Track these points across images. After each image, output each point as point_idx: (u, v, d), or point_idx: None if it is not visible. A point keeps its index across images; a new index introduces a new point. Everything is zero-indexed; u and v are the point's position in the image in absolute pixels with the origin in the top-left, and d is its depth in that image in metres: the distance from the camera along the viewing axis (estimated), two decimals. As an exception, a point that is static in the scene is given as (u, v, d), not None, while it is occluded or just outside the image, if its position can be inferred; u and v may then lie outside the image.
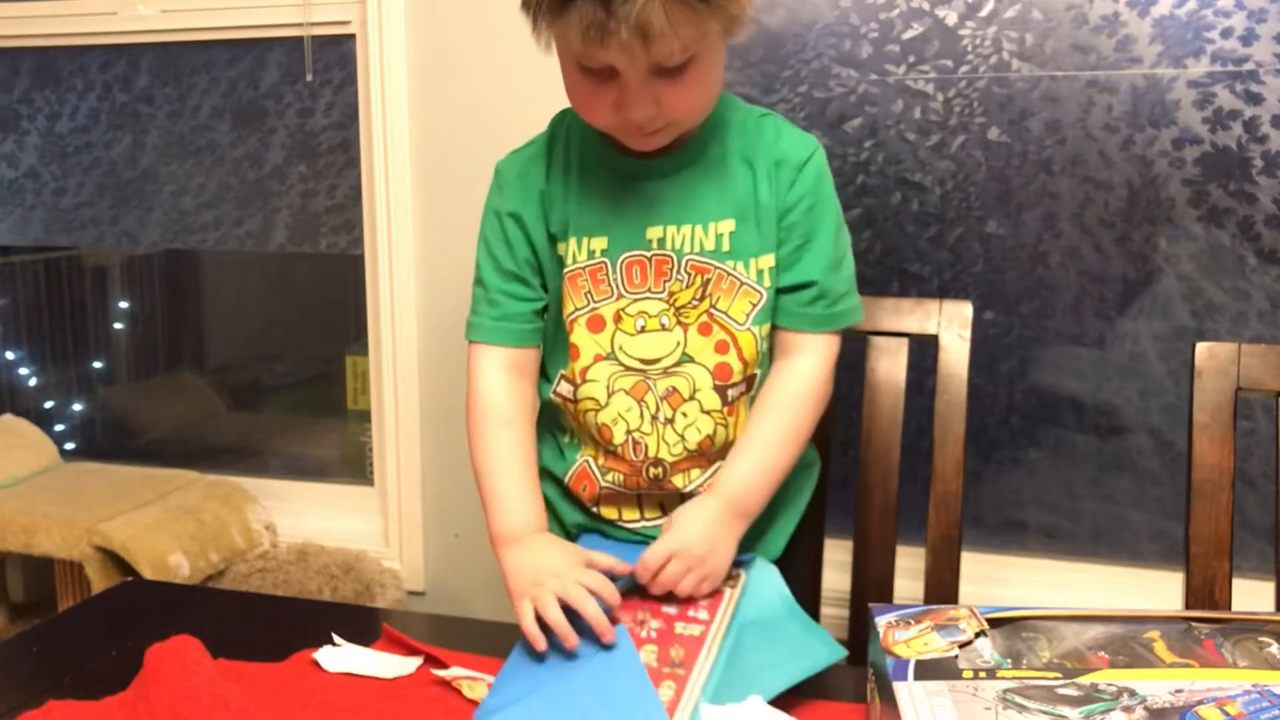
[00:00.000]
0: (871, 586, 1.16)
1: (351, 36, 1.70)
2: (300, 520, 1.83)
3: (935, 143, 1.51)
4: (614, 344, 0.97)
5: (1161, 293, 1.47)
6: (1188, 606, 1.06)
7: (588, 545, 0.96)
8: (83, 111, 1.92)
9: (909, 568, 1.27)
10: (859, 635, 1.19)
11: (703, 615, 0.86)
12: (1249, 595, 1.20)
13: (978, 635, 0.72)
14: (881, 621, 0.75)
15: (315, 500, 1.89)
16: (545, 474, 1.06)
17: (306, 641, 0.90)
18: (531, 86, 1.53)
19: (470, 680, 0.84)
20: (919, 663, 0.70)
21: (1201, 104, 1.42)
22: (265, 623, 1.00)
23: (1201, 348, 1.08)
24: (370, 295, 1.73)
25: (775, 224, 0.95)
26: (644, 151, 0.94)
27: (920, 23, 1.49)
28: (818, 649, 0.83)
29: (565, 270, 0.98)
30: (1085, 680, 0.67)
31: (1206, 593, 1.05)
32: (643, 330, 0.96)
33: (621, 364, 0.97)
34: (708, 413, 0.97)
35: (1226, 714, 0.63)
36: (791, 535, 1.06)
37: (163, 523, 1.63)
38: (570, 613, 0.84)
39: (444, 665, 0.87)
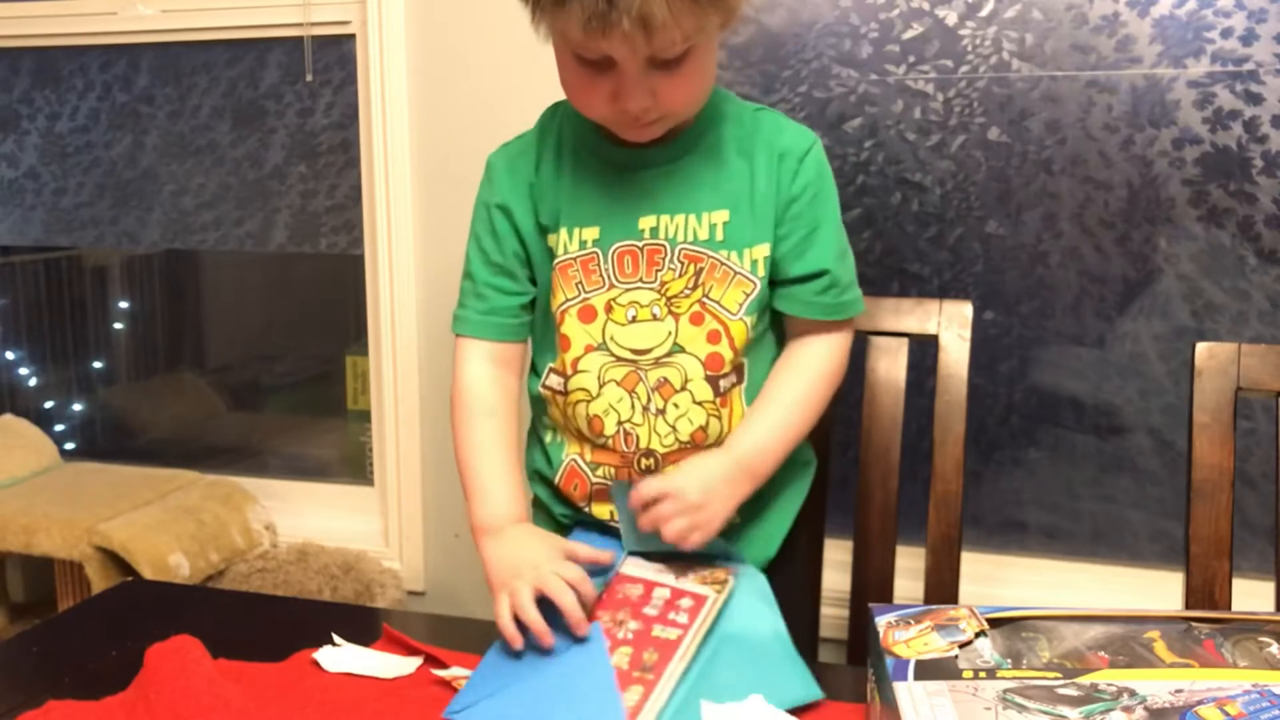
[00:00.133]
0: (871, 586, 1.16)
1: (351, 36, 1.70)
2: (300, 520, 1.83)
3: (935, 143, 1.51)
4: (605, 334, 0.97)
5: (1161, 293, 1.47)
6: (1188, 606, 1.06)
7: (579, 539, 0.95)
8: (83, 111, 1.92)
9: (909, 568, 1.27)
10: (859, 635, 1.19)
11: (682, 619, 0.84)
12: (1249, 595, 1.20)
13: (978, 635, 0.72)
14: (881, 621, 0.75)
15: (315, 500, 1.89)
16: (535, 476, 1.06)
17: (306, 641, 0.90)
18: (531, 86, 1.52)
19: (470, 680, 0.84)
20: (919, 663, 0.70)
21: (1201, 104, 1.42)
22: (265, 623, 0.99)
23: (1201, 348, 1.08)
24: (370, 295, 1.73)
25: (772, 215, 0.96)
26: (638, 142, 0.94)
27: (920, 23, 1.49)
28: (794, 685, 0.81)
29: (556, 261, 0.98)
30: (1085, 680, 0.67)
31: (1206, 593, 1.05)
32: (634, 320, 0.96)
33: (613, 354, 0.97)
34: (699, 403, 0.97)
35: (1226, 714, 0.63)
36: (789, 535, 1.06)
37: (163, 523, 1.63)
38: (548, 604, 0.84)
39: (444, 665, 0.87)
